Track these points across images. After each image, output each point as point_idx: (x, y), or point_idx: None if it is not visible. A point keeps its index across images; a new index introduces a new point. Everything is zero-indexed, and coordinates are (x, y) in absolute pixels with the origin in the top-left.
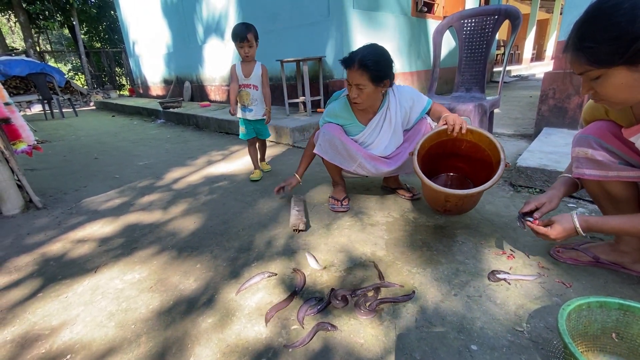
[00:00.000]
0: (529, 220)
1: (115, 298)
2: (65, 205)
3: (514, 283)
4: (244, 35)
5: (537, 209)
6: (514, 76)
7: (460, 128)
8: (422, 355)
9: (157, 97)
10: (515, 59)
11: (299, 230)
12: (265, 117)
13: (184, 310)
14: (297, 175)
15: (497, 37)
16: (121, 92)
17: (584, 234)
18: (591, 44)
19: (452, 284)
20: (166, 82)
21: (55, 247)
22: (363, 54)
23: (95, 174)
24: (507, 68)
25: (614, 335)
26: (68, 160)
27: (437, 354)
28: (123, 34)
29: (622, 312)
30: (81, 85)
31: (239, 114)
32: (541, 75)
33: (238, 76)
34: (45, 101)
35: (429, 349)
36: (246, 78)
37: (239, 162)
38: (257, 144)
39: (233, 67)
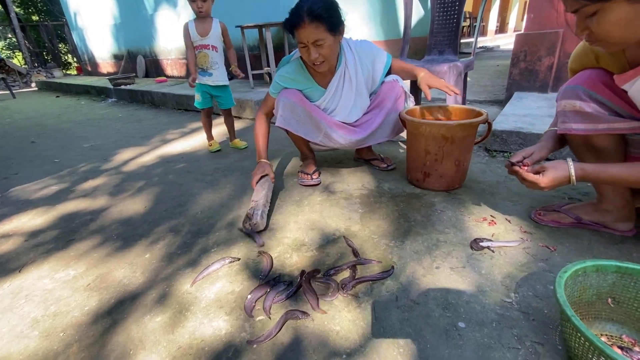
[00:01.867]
0: (518, 166)
1: (42, 301)
2: None
3: (498, 250)
4: None
5: (525, 159)
6: (480, 47)
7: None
8: (406, 339)
9: (108, 74)
10: (480, 30)
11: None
12: (227, 82)
13: (127, 309)
14: (265, 161)
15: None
16: (67, 71)
17: (575, 183)
18: None
19: (434, 256)
20: (116, 57)
21: None
22: (308, 4)
23: (32, 160)
24: (473, 40)
25: (609, 300)
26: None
27: (422, 336)
28: (62, 5)
29: (620, 275)
30: (19, 65)
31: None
32: (506, 47)
33: (192, 36)
34: None
35: (413, 330)
36: (202, 38)
37: (198, 139)
38: (223, 117)
39: (185, 27)
